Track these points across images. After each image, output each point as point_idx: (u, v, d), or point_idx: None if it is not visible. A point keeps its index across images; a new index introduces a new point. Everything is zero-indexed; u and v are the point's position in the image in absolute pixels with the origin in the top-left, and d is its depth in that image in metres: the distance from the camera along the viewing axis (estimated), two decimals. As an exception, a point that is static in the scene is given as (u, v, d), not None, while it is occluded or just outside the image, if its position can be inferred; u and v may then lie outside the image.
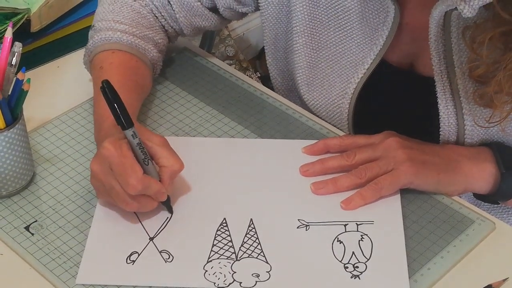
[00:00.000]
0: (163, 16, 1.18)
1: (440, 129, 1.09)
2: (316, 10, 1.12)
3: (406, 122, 1.11)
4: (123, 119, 0.94)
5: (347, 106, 1.14)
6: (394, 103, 1.15)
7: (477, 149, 1.08)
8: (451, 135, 1.09)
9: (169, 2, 1.18)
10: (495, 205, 1.19)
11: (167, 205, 1.00)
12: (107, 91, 0.94)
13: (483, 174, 1.05)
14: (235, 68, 2.34)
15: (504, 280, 0.94)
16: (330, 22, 1.12)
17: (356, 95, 1.13)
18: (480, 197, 1.10)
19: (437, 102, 1.08)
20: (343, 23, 1.11)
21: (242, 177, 1.06)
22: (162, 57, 1.19)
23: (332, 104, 1.16)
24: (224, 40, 2.46)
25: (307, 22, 1.13)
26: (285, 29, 1.17)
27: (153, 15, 1.18)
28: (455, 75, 1.05)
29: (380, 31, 1.08)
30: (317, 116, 1.18)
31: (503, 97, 0.99)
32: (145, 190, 0.94)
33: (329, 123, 1.17)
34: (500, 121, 1.02)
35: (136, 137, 0.95)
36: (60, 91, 1.22)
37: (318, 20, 1.12)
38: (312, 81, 1.16)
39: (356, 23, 1.10)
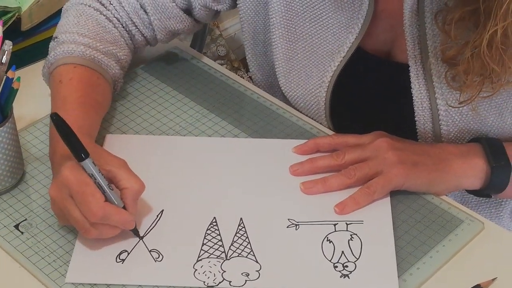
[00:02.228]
0: (134, 23, 1.16)
1: (415, 113, 1.10)
2: (292, 1, 1.12)
3: (382, 110, 1.12)
4: (78, 152, 0.92)
5: (324, 95, 1.14)
6: (371, 91, 1.16)
7: (467, 146, 1.08)
8: (426, 121, 1.10)
9: (141, 6, 1.16)
10: (484, 201, 1.19)
11: (135, 230, 0.97)
12: (58, 125, 0.92)
13: (474, 171, 1.05)
14: (226, 68, 2.34)
15: (493, 279, 0.95)
16: (305, 13, 1.13)
17: (332, 84, 1.14)
18: (472, 192, 1.11)
19: (411, 87, 1.08)
20: (319, 13, 1.12)
21: (233, 176, 1.06)
22: (123, 74, 1.17)
23: (309, 94, 1.16)
24: (216, 40, 2.47)
25: (283, 13, 1.13)
26: (263, 22, 1.18)
27: (121, 27, 1.16)
28: (428, 59, 1.05)
29: (355, 20, 1.09)
30: (295, 107, 1.19)
31: (473, 78, 1.00)
32: (106, 217, 0.92)
33: (307, 114, 1.18)
34: (471, 100, 1.03)
35: (94, 165, 0.92)
36: (51, 90, 1.21)
37: (294, 11, 1.13)
38: (289, 72, 1.17)
39: (332, 12, 1.11)
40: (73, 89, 1.06)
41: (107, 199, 0.93)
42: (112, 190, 0.94)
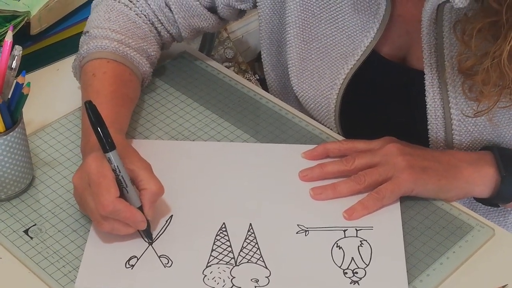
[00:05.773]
0: (159, 20, 1.18)
1: (428, 122, 1.10)
2: (309, 1, 1.13)
3: (394, 116, 1.11)
4: (105, 143, 0.93)
5: (335, 97, 1.14)
6: (384, 96, 1.16)
7: (478, 154, 1.08)
8: (439, 130, 1.09)
9: (166, 4, 1.17)
10: (492, 209, 1.19)
11: (147, 232, 0.97)
12: (91, 113, 0.93)
13: (484, 179, 1.05)
14: (234, 70, 2.34)
15: (503, 286, 0.94)
16: (322, 14, 1.13)
17: (344, 86, 1.14)
18: (480, 200, 1.10)
19: (425, 95, 1.08)
20: (335, 14, 1.12)
21: (242, 182, 1.06)
22: (152, 71, 1.18)
23: (320, 95, 1.16)
24: (223, 42, 2.46)
25: (299, 13, 1.14)
26: (279, 21, 1.18)
27: (149, 24, 1.17)
28: (445, 69, 1.05)
29: (372, 24, 1.09)
30: (306, 108, 1.19)
31: (491, 88, 1.00)
32: (115, 213, 0.92)
33: (316, 116, 1.18)
34: (488, 110, 1.02)
35: (118, 160, 0.93)
36: (60, 94, 1.21)
37: (310, 11, 1.13)
38: (302, 72, 1.17)
39: (348, 15, 1.11)
40: (106, 83, 1.08)
41: (125, 195, 0.94)
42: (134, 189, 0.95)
